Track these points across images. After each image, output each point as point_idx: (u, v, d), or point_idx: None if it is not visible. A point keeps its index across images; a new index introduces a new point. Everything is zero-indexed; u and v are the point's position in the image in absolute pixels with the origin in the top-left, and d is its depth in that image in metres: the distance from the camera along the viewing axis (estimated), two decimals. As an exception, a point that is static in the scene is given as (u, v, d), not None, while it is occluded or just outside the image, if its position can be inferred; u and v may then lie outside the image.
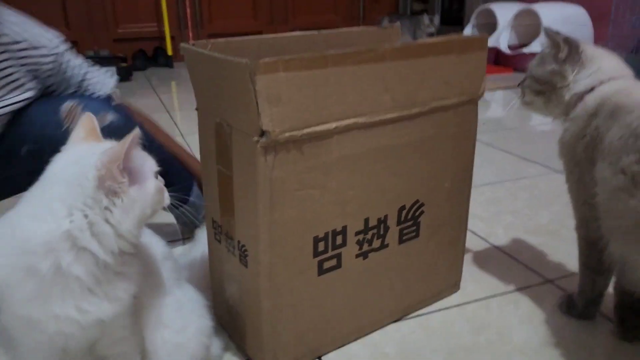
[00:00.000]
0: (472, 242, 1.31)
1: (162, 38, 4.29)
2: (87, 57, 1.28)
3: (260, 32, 4.67)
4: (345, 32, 1.04)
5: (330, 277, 0.88)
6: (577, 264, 1.00)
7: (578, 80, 0.94)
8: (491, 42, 3.83)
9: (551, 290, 1.11)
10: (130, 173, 0.64)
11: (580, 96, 0.92)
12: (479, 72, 0.95)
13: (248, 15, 4.71)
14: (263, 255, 0.80)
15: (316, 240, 0.84)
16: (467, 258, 1.22)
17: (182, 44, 0.84)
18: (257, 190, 0.76)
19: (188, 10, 4.50)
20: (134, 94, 3.32)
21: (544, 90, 0.98)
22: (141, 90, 3.41)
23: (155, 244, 0.82)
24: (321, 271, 0.87)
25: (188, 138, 2.24)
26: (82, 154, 0.66)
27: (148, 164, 0.68)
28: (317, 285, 0.87)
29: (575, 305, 1.02)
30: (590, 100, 0.91)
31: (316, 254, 0.85)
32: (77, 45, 4.19)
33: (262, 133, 0.73)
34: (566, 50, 0.95)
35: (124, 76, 3.63)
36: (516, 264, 1.21)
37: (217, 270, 0.96)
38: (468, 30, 4.08)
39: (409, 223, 0.96)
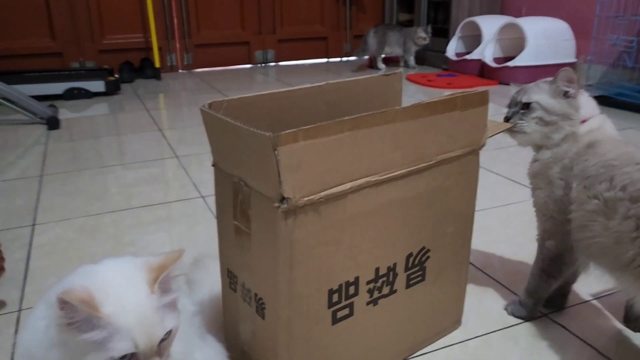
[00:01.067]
0: (470, 274, 1.35)
1: (149, 49, 4.28)
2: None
3: (248, 43, 4.72)
4: (352, 82, 1.07)
5: (342, 325, 0.92)
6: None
7: (581, 112, 1.06)
8: (476, 54, 3.90)
9: (547, 325, 1.16)
10: None
11: (581, 122, 1.05)
12: (481, 125, 1.00)
13: (236, 26, 4.73)
14: (282, 310, 0.83)
15: (331, 293, 0.88)
16: (467, 290, 1.26)
17: (202, 109, 0.87)
18: (277, 250, 0.80)
19: (175, 21, 4.51)
20: (123, 109, 3.32)
21: (556, 121, 1.06)
22: (130, 104, 3.41)
23: (187, 304, 0.84)
24: (335, 320, 0.90)
25: (183, 160, 2.26)
26: None
27: None
28: (330, 333, 0.91)
29: (524, 307, 1.17)
30: (584, 128, 1.05)
31: (330, 304, 0.89)
32: (62, 57, 4.17)
33: (283, 199, 0.76)
34: (575, 88, 1.06)
35: (113, 90, 3.62)
36: (514, 297, 1.26)
37: (231, 315, 0.99)
38: (453, 42, 4.15)
39: (416, 268, 1.00)
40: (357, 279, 0.91)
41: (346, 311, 0.91)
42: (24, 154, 2.43)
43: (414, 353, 1.08)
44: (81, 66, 4.21)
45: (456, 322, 1.15)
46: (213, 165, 0.93)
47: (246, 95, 0.95)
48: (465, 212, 1.06)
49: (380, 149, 0.85)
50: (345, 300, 0.91)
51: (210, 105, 0.89)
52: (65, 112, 3.19)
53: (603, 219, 0.92)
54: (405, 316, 1.02)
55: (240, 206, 0.87)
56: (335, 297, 0.89)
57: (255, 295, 0.89)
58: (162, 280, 0.63)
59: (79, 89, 3.49)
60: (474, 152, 1.01)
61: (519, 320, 1.17)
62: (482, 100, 0.98)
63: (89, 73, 3.83)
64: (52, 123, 2.82)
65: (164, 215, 1.74)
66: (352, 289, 0.91)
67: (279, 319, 0.84)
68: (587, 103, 1.07)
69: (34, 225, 1.68)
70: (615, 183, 0.91)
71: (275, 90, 1.00)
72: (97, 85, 3.55)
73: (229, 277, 0.97)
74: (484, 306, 1.23)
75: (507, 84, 3.53)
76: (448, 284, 1.08)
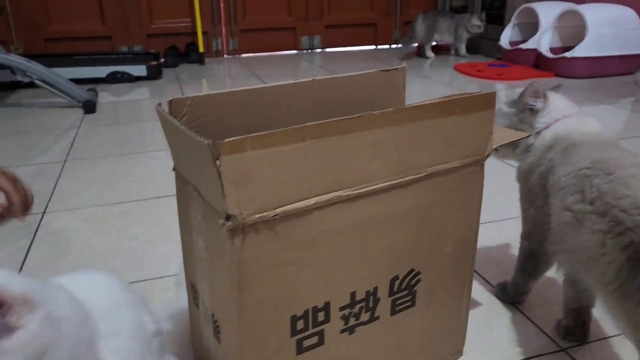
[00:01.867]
0: (480, 296, 1.22)
1: (195, 34, 4.27)
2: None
3: (294, 28, 4.63)
4: (345, 79, 0.96)
5: (310, 355, 0.82)
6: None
7: (538, 120, 1.06)
8: (532, 43, 3.65)
9: (564, 361, 1.01)
10: None
11: (539, 132, 1.05)
12: (485, 132, 0.86)
13: (282, 11, 4.65)
14: (234, 336, 0.74)
15: (294, 319, 0.78)
16: (475, 313, 1.13)
17: (157, 108, 0.78)
18: (225, 271, 0.70)
19: (222, 5, 4.47)
20: (163, 94, 3.31)
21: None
22: (170, 89, 3.39)
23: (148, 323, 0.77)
24: (300, 350, 0.80)
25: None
26: None
27: None
28: (296, 363, 0.81)
29: (508, 293, 1.18)
30: (547, 135, 1.04)
31: (294, 333, 0.79)
32: (111, 40, 4.23)
33: (228, 217, 0.66)
34: (542, 101, 1.06)
35: (155, 74, 3.62)
36: (530, 325, 1.12)
37: (196, 332, 0.92)
38: (508, 30, 3.91)
39: (403, 293, 0.88)
40: (327, 304, 0.80)
41: (314, 339, 0.81)
42: (56, 138, 2.44)
43: (403, 384, 0.96)
44: (129, 50, 4.25)
45: (456, 353, 1.02)
46: (173, 170, 0.84)
47: (217, 92, 0.86)
48: (467, 230, 0.92)
49: (355, 159, 0.74)
50: (314, 327, 0.80)
51: (170, 102, 0.81)
52: (107, 96, 3.21)
53: (575, 233, 0.88)
54: (390, 346, 0.91)
55: (196, 215, 0.78)
56: (300, 324, 0.78)
57: (212, 315, 0.80)
58: None
59: (122, 73, 3.50)
60: (477, 164, 0.88)
61: (531, 353, 1.03)
62: (488, 103, 0.85)
63: (132, 57, 3.85)
64: (89, 107, 2.83)
65: (171, 209, 1.68)
66: (321, 315, 0.80)
67: (232, 345, 0.75)
68: (556, 105, 1.06)
69: (44, 213, 1.66)
70: (585, 195, 0.86)
71: (255, 87, 0.90)
72: (140, 70, 3.55)
73: (193, 292, 0.88)
74: (492, 333, 1.10)
75: (564, 76, 3.27)
76: (444, 310, 0.96)
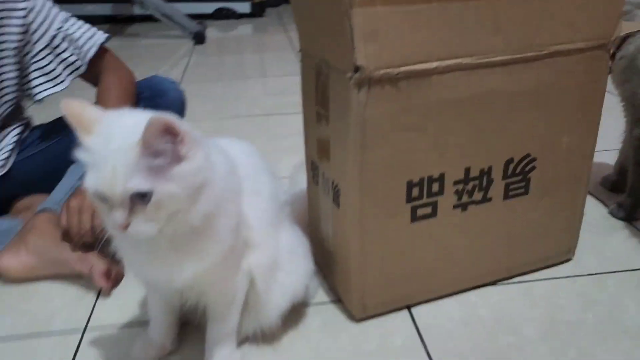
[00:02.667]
0: (599, 211, 1.18)
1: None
2: None
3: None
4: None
5: (424, 225, 0.85)
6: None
7: None
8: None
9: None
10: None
11: None
12: (612, 13, 0.83)
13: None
14: (354, 195, 0.79)
15: (410, 185, 0.81)
16: (590, 226, 1.10)
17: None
18: (349, 129, 0.74)
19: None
20: (265, 30, 3.39)
21: None
22: (272, 27, 3.47)
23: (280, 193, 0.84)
24: (414, 218, 0.84)
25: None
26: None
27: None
28: (409, 232, 0.84)
29: (624, 209, 1.14)
30: None
31: (409, 199, 0.82)
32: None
33: (356, 69, 0.70)
34: None
35: (258, 12, 3.70)
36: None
37: (314, 210, 0.97)
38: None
39: (517, 178, 0.88)
40: (442, 175, 0.82)
41: (428, 209, 0.84)
42: (171, 65, 2.60)
43: (511, 277, 0.97)
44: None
45: (566, 253, 1.01)
46: (300, 51, 0.89)
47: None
48: (587, 122, 0.90)
49: (476, 29, 0.74)
50: (428, 197, 0.83)
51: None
52: (213, 31, 3.34)
53: None
54: (501, 231, 0.92)
55: (321, 89, 0.82)
56: (415, 191, 0.82)
57: (333, 182, 0.85)
58: (148, 141, 0.56)
59: (227, 9, 3.62)
60: (602, 48, 0.84)
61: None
62: (621, -18, 0.81)
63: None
64: (199, 38, 2.97)
65: (278, 124, 1.77)
66: (435, 186, 0.83)
67: (352, 205, 0.79)
68: None
69: (164, 123, 1.80)
70: None
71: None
72: (244, 7, 3.65)
73: (312, 170, 0.94)
74: (607, 244, 1.07)
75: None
76: (559, 205, 0.95)
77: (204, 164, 0.61)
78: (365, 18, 0.67)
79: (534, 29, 0.78)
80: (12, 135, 1.15)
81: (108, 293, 0.97)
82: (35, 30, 1.08)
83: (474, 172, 0.85)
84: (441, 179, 0.83)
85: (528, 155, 0.87)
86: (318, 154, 0.89)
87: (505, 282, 0.96)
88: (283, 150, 1.54)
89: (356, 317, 0.88)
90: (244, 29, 3.47)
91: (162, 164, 0.58)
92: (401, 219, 0.83)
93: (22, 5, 1.05)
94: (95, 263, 0.97)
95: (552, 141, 0.88)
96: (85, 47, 1.11)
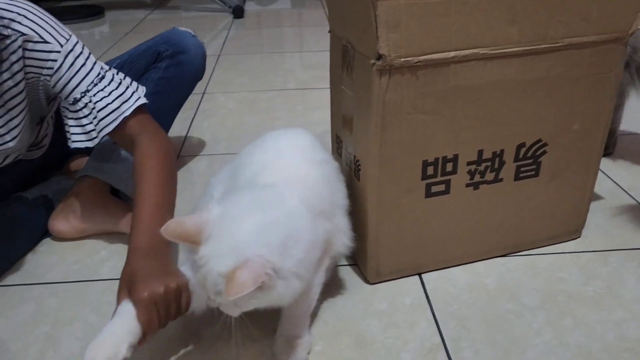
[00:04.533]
0: (611, 192, 1.24)
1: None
2: None
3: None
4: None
5: (437, 201, 0.93)
6: None
7: None
8: None
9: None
10: None
11: None
12: (630, 7, 0.87)
13: None
14: (372, 169, 0.87)
15: (425, 164, 0.88)
16: (600, 206, 1.17)
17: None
18: (371, 110, 0.82)
19: None
20: (303, 5, 3.45)
21: None
22: (310, 2, 3.51)
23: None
24: (428, 194, 0.91)
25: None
26: None
27: None
28: (423, 206, 0.92)
29: None
30: None
31: (424, 176, 0.90)
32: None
33: (379, 56, 0.77)
34: None
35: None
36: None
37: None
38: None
39: (528, 161, 0.95)
40: (456, 156, 0.90)
41: (441, 187, 0.92)
42: (211, 37, 2.69)
43: (518, 251, 1.04)
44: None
45: (574, 232, 1.08)
46: (329, 32, 0.96)
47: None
48: (598, 110, 0.95)
49: (492, 21, 0.81)
50: (442, 176, 0.91)
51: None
52: (251, 5, 3.42)
53: None
54: (511, 210, 0.99)
55: (347, 69, 0.90)
56: (430, 170, 0.89)
57: (354, 157, 0.93)
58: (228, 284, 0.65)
59: (267, -16, 3.67)
60: (618, 41, 0.89)
61: (649, 242, 1.06)
62: (637, -21, 0.86)
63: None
64: (238, 12, 3.05)
65: (311, 98, 1.85)
66: (449, 166, 0.90)
67: (370, 179, 0.88)
68: None
69: (203, 94, 1.90)
70: None
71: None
72: (283, -19, 3.69)
73: (337, 142, 1.02)
74: (615, 226, 1.12)
75: None
76: (567, 188, 1.01)
77: (285, 290, 0.69)
78: (389, 10, 0.74)
79: (548, 21, 0.84)
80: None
81: None
82: (61, 90, 0.97)
83: (487, 155, 0.92)
84: (455, 159, 0.90)
85: (539, 140, 0.94)
86: (342, 129, 0.97)
87: (512, 254, 1.04)
88: (314, 123, 1.62)
89: (370, 282, 0.97)
90: (283, 3, 3.53)
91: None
92: (416, 194, 0.91)
93: (48, 64, 0.94)
94: None
95: (563, 127, 0.94)
96: (105, 121, 0.98)
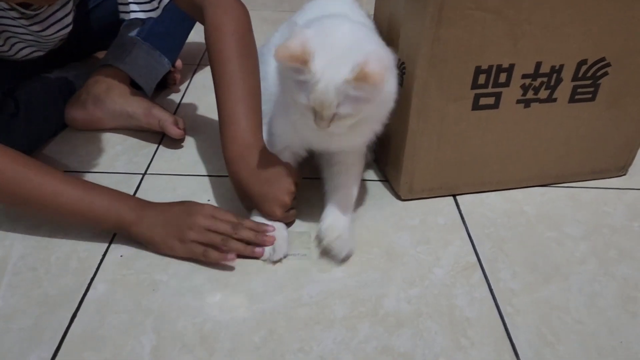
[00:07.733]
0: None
1: None
2: None
3: None
4: None
5: (484, 115, 0.85)
6: None
7: None
8: None
9: None
10: None
11: None
12: None
13: None
14: (420, 71, 0.79)
15: (478, 71, 0.80)
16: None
17: None
18: (428, 1, 0.74)
19: None
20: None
21: None
22: None
23: None
24: (476, 106, 0.84)
25: None
26: None
27: None
28: (468, 119, 0.85)
29: None
30: None
31: (475, 85, 0.82)
32: None
33: None
34: None
35: None
36: None
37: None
38: None
39: (587, 82, 0.87)
40: (511, 66, 0.82)
41: (491, 100, 0.84)
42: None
43: (560, 183, 0.98)
44: None
45: (620, 169, 1.00)
46: None
47: None
48: (673, 32, 0.86)
49: None
50: (493, 87, 0.83)
51: None
52: None
53: None
54: (560, 135, 0.91)
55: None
56: (481, 78, 0.81)
57: (399, 60, 0.85)
58: (359, 82, 0.64)
59: None
60: None
61: (701, 186, 0.99)
62: None
63: None
64: None
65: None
66: (503, 77, 0.82)
67: (415, 81, 0.80)
68: None
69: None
70: None
71: None
72: None
73: (379, 45, 0.94)
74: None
75: None
76: (624, 118, 0.93)
77: (392, 95, 0.73)
78: None
79: None
80: None
81: (182, 139, 1.05)
82: None
83: (545, 68, 0.83)
84: (510, 69, 0.82)
85: (603, 59, 0.85)
86: (387, 33, 0.89)
87: (553, 185, 0.97)
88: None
89: (402, 197, 0.91)
90: None
91: (363, 97, 0.67)
92: (463, 104, 0.83)
93: None
94: (161, 116, 1.01)
95: (631, 48, 0.85)
96: None
